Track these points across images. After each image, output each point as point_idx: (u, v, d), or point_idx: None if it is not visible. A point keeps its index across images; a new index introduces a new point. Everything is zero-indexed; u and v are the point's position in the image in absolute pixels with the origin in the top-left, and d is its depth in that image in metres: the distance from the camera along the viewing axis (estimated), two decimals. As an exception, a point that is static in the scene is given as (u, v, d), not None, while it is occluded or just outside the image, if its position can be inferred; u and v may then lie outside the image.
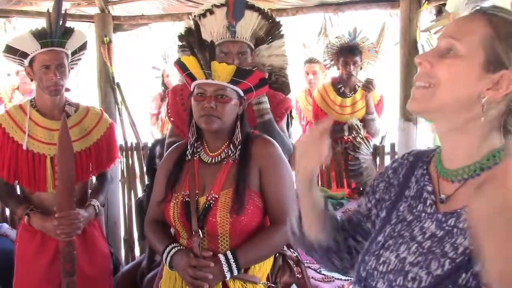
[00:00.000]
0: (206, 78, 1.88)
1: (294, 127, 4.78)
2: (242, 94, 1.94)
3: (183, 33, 2.51)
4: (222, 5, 2.43)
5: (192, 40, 1.97)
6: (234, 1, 2.36)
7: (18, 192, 2.55)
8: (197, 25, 2.04)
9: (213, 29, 2.40)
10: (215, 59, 1.87)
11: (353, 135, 3.92)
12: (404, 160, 1.20)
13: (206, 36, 2.44)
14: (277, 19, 2.56)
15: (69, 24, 2.56)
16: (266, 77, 2.02)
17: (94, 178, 2.72)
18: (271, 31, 2.48)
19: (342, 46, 4.07)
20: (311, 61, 4.95)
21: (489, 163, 0.98)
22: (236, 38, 2.35)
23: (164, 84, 5.30)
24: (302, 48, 5.37)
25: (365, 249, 1.13)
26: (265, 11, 2.46)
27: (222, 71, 1.86)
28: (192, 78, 1.92)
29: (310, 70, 4.92)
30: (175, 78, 5.13)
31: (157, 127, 5.33)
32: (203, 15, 2.48)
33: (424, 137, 4.08)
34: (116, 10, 4.34)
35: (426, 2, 3.63)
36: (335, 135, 4.09)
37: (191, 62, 1.89)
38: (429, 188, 1.08)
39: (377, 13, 4.41)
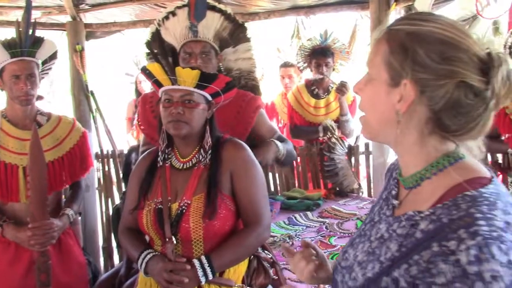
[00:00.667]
0: (172, 84, 1.89)
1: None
2: (210, 98, 1.95)
3: (149, 39, 2.52)
4: (184, 6, 2.44)
5: (155, 47, 1.98)
6: (195, 2, 2.37)
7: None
8: (157, 32, 2.04)
9: (176, 30, 2.42)
10: (179, 64, 1.88)
11: (328, 135, 3.96)
12: (393, 164, 1.23)
13: (170, 38, 2.45)
14: (248, 22, 2.59)
15: (40, 32, 2.56)
16: (232, 80, 2.03)
17: (68, 187, 2.71)
18: (235, 33, 2.49)
19: (314, 48, 4.11)
20: (286, 65, 4.98)
21: (428, 173, 1.00)
22: (198, 37, 2.36)
23: (137, 91, 5.29)
24: (276, 52, 5.40)
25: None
26: (228, 13, 2.48)
27: (187, 76, 1.87)
28: (159, 84, 1.93)
29: (285, 74, 4.95)
30: (148, 85, 5.13)
31: (132, 134, 5.31)
32: (166, 17, 2.49)
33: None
34: (88, 17, 4.32)
35: (395, 3, 3.69)
36: (310, 136, 4.13)
37: (156, 69, 1.90)
38: (393, 193, 1.11)
39: (348, 14, 4.47)
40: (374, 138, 1.11)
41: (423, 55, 0.94)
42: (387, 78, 0.99)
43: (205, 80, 1.89)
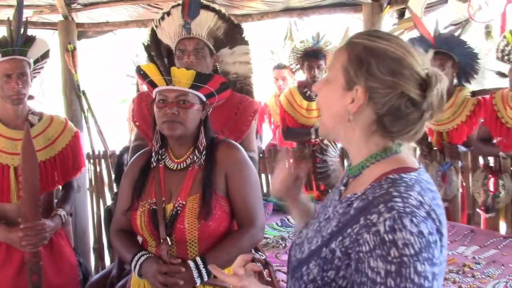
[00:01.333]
0: (167, 84, 1.88)
1: (264, 131, 4.83)
2: (204, 99, 1.94)
3: (148, 41, 2.52)
4: (178, 5, 2.45)
5: (152, 48, 1.97)
6: (189, 0, 2.38)
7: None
8: (153, 32, 2.04)
9: (171, 29, 2.42)
10: (174, 64, 1.87)
11: (320, 138, 3.96)
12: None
13: (165, 38, 2.45)
14: (242, 23, 2.58)
15: (32, 32, 2.53)
16: (227, 82, 2.02)
17: (60, 187, 2.68)
18: (230, 33, 2.49)
19: (306, 50, 4.11)
20: (279, 67, 4.98)
21: (367, 163, 1.17)
22: (191, 34, 2.36)
23: (138, 91, 5.27)
24: (269, 54, 5.40)
25: None
26: (222, 12, 2.48)
27: (182, 76, 1.86)
28: (153, 85, 1.93)
29: (279, 76, 4.95)
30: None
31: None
32: (162, 18, 2.50)
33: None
34: (80, 17, 4.30)
35: (388, 6, 3.70)
36: (302, 138, 4.13)
37: (151, 69, 1.89)
38: (344, 181, 1.28)
39: (341, 17, 4.49)
40: (327, 135, 1.27)
41: (375, 67, 1.11)
42: (343, 82, 1.15)
43: (200, 80, 1.88)
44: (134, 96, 5.25)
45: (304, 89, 4.20)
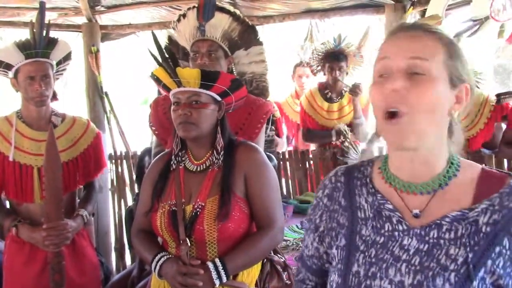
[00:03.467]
0: (178, 87, 1.89)
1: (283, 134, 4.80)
2: (219, 98, 1.94)
3: (167, 43, 2.54)
4: (194, 7, 2.46)
5: (160, 52, 1.98)
6: (204, 2, 2.39)
7: (6, 204, 2.54)
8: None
9: (186, 31, 2.43)
10: (179, 64, 1.88)
11: (341, 140, 3.93)
12: (336, 183, 1.19)
13: (182, 41, 2.47)
14: (263, 25, 2.58)
15: (56, 34, 2.56)
16: (237, 78, 2.02)
17: (82, 188, 2.72)
18: (244, 35, 2.49)
19: (327, 52, 4.09)
20: (304, 64, 4.94)
21: (453, 171, 1.04)
22: (205, 36, 2.37)
23: (160, 93, 5.29)
24: (298, 50, 5.33)
25: (340, 284, 1.08)
26: (237, 14, 2.48)
27: (189, 76, 1.86)
28: (168, 89, 1.94)
29: (304, 74, 4.92)
30: None
31: None
32: (178, 20, 2.51)
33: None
34: (104, 19, 4.35)
35: (411, 7, 3.67)
36: (323, 140, 4.11)
37: (160, 73, 1.90)
38: (389, 206, 1.07)
39: (361, 19, 4.45)
40: (412, 145, 1.01)
41: (466, 65, 1.03)
42: (448, 79, 1.01)
43: (207, 78, 1.87)
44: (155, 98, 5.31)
45: (325, 90, 4.17)
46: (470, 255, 0.96)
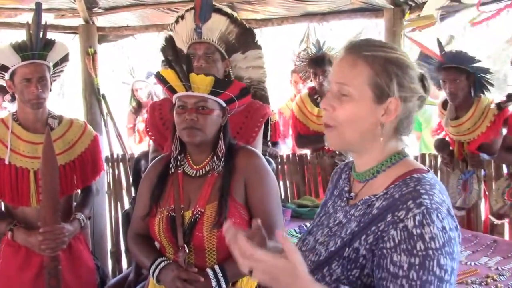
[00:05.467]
0: (186, 91, 1.87)
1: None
2: (224, 105, 1.93)
3: (164, 46, 2.51)
4: (192, 9, 2.45)
5: (169, 53, 1.96)
6: (201, 4, 2.37)
7: (1, 207, 2.51)
8: (171, 38, 2.03)
9: (183, 33, 2.42)
10: (193, 71, 1.86)
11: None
12: (338, 169, 1.46)
13: (179, 42, 2.44)
14: (262, 28, 2.56)
15: (53, 35, 2.53)
16: (247, 87, 2.01)
17: (79, 191, 2.69)
18: (241, 37, 2.47)
19: (310, 57, 4.11)
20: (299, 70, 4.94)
21: (383, 167, 1.23)
22: (202, 39, 2.36)
23: (135, 99, 5.29)
24: (292, 56, 5.34)
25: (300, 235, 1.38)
26: (234, 16, 2.47)
27: (201, 82, 1.85)
28: (173, 91, 1.91)
29: (299, 80, 4.92)
30: (144, 92, 5.17)
31: (134, 140, 5.30)
32: (176, 21, 2.50)
33: (408, 144, 4.11)
34: (101, 21, 4.32)
35: (409, 12, 3.67)
36: (315, 145, 4.10)
37: (170, 75, 1.88)
38: (346, 188, 1.34)
39: (358, 22, 4.46)
40: (343, 148, 1.36)
41: (401, 77, 1.18)
42: (371, 96, 1.18)
43: (219, 86, 1.87)
44: (132, 104, 5.33)
45: (315, 95, 4.16)
46: (356, 229, 1.17)
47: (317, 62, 4.03)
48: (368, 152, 1.24)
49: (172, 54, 1.95)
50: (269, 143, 3.73)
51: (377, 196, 1.18)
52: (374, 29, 4.49)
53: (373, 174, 1.24)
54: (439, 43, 3.39)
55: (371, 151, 1.24)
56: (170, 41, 1.99)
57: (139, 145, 5.18)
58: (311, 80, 4.18)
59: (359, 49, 1.21)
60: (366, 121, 1.19)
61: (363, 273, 1.14)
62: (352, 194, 1.30)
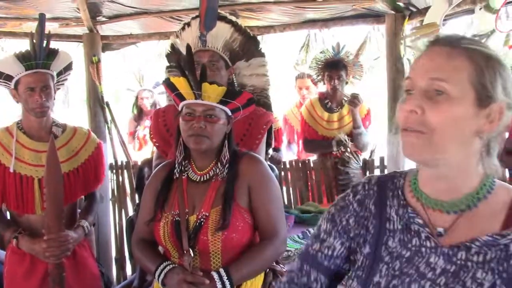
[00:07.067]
0: (196, 98, 1.89)
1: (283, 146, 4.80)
2: (230, 113, 1.95)
3: (169, 51, 2.53)
4: (197, 16, 2.46)
5: (173, 60, 1.98)
6: (205, 12, 2.39)
7: (6, 215, 2.53)
8: (188, 46, 2.06)
9: (188, 40, 2.43)
10: (206, 80, 1.88)
11: (341, 150, 3.93)
12: (369, 190, 1.16)
13: (184, 49, 2.46)
14: (264, 35, 2.57)
15: (57, 44, 2.55)
16: (253, 97, 2.03)
17: (83, 198, 2.71)
18: (246, 45, 2.49)
19: (327, 60, 4.10)
20: (302, 76, 4.95)
21: (483, 193, 1.00)
22: (206, 47, 2.37)
23: (138, 107, 5.32)
24: (294, 64, 5.37)
25: None
26: (238, 24, 2.48)
27: (212, 92, 1.87)
28: (181, 98, 1.94)
29: (303, 85, 4.92)
30: (149, 102, 5.20)
31: (133, 147, 5.33)
32: (183, 29, 2.52)
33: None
34: (105, 29, 4.36)
35: (407, 19, 3.69)
36: (323, 150, 4.11)
37: (180, 82, 1.90)
38: (419, 221, 1.04)
39: (359, 29, 4.47)
40: (428, 162, 1.01)
41: (505, 79, 0.97)
42: (474, 98, 0.96)
43: (229, 96, 1.90)
44: (134, 111, 5.35)
45: (325, 100, 4.17)
46: (498, 282, 0.93)
47: (334, 65, 4.03)
48: (460, 171, 1.00)
49: (187, 62, 1.97)
50: (270, 150, 3.75)
51: (508, 236, 0.95)
52: (376, 35, 4.49)
53: (473, 202, 1.00)
54: None
55: (464, 171, 1.00)
56: (187, 49, 2.01)
57: (138, 152, 5.20)
58: (324, 84, 4.18)
59: (455, 40, 0.99)
60: (466, 128, 0.96)
61: None
62: (440, 229, 1.02)
